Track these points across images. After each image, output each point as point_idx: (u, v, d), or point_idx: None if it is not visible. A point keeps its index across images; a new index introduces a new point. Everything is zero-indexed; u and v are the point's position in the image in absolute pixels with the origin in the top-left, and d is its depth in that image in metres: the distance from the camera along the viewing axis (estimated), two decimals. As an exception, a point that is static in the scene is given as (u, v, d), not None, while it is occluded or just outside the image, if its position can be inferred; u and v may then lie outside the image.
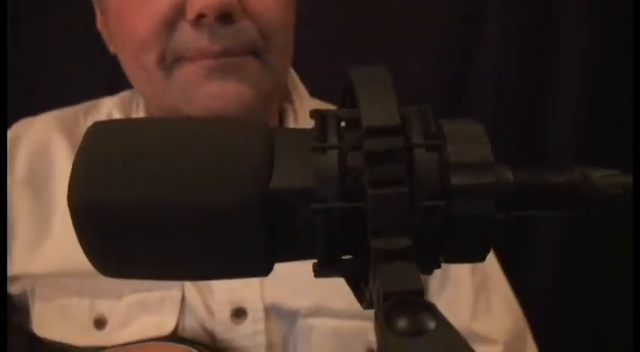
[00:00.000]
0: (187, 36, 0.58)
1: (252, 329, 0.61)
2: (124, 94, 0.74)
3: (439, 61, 1.06)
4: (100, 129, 0.28)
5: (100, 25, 0.68)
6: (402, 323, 0.22)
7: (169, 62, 0.59)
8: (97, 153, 0.27)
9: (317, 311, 0.62)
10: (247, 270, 0.29)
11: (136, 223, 0.26)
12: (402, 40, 1.03)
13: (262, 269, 0.28)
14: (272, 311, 0.61)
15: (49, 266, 0.64)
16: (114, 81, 1.02)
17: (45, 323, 0.64)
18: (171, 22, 0.58)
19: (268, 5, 0.60)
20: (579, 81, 1.04)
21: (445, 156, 0.26)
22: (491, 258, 0.72)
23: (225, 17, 0.57)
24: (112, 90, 0.75)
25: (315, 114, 0.28)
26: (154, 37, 0.58)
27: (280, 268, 0.29)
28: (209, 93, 0.58)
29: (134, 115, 0.70)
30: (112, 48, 0.67)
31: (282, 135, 0.28)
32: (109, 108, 0.72)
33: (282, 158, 0.27)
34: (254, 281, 0.62)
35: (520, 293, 0.73)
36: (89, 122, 0.69)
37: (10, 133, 0.70)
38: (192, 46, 0.58)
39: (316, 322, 0.62)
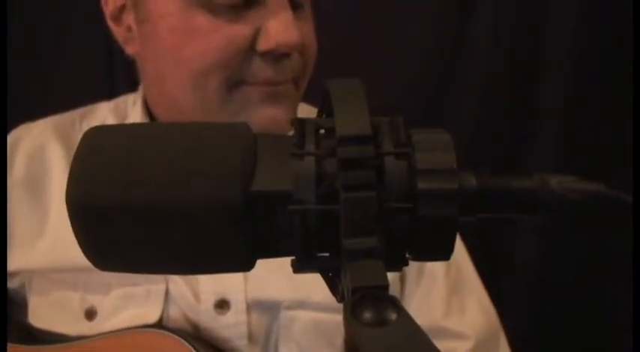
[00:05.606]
0: (256, 65, 0.61)
1: (234, 320, 0.64)
2: (120, 99, 0.76)
3: (428, 56, 1.08)
4: (95, 133, 0.30)
5: (119, 27, 0.66)
6: (367, 315, 0.25)
7: (231, 85, 0.62)
8: (91, 154, 0.29)
9: (299, 304, 0.64)
10: (230, 266, 0.31)
11: (125, 220, 0.28)
12: (392, 33, 1.05)
13: (244, 265, 0.31)
14: (254, 303, 0.64)
15: (44, 262, 0.67)
16: (113, 81, 1.04)
17: (40, 314, 0.67)
18: (245, 51, 0.61)
19: (313, 40, 0.66)
20: (569, 80, 1.06)
21: (413, 163, 0.28)
22: (466, 260, 0.74)
23: (289, 52, 0.61)
24: (111, 91, 0.77)
25: (294, 122, 0.30)
26: (225, 63, 0.60)
27: (264, 262, 0.31)
28: (263, 116, 0.62)
29: (130, 118, 0.72)
30: (130, 49, 0.66)
31: (265, 140, 0.31)
32: (104, 113, 0.74)
33: (263, 162, 0.29)
34: (238, 274, 0.64)
35: (498, 297, 0.74)
36: (84, 126, 0.72)
37: (10, 138, 0.73)
38: (259, 74, 0.61)
39: (298, 314, 0.65)
